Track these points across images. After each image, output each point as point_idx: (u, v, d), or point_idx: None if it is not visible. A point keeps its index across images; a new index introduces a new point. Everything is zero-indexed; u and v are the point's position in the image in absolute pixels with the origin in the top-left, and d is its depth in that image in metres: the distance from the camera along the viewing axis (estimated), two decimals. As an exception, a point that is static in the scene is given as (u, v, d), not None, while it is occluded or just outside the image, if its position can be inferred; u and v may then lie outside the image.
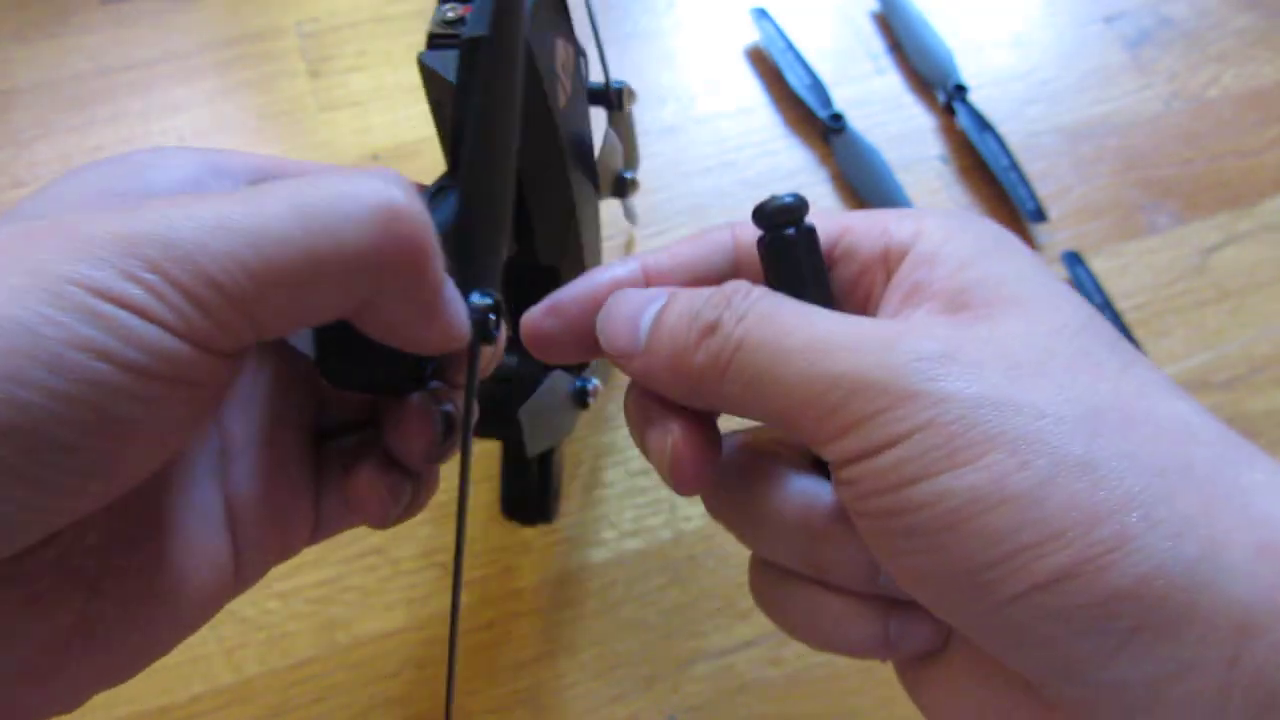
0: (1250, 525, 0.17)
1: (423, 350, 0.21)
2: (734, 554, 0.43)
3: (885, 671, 0.42)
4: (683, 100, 0.58)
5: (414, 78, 0.36)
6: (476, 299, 0.22)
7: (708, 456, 0.23)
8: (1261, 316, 0.50)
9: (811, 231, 0.23)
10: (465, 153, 0.22)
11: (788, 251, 0.23)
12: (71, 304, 0.15)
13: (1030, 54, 0.60)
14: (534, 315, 0.25)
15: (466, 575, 0.42)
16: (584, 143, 0.36)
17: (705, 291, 0.22)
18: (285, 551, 0.25)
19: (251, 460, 0.24)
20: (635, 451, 0.45)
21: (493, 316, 0.23)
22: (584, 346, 0.24)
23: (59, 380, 0.15)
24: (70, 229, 0.16)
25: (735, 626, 0.42)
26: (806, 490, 0.23)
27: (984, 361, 0.19)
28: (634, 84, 0.60)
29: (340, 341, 0.22)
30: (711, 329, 0.21)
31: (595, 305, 0.24)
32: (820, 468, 0.23)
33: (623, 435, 0.46)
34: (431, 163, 0.52)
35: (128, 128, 0.55)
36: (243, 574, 0.23)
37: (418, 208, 0.19)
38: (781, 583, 0.24)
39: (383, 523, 0.24)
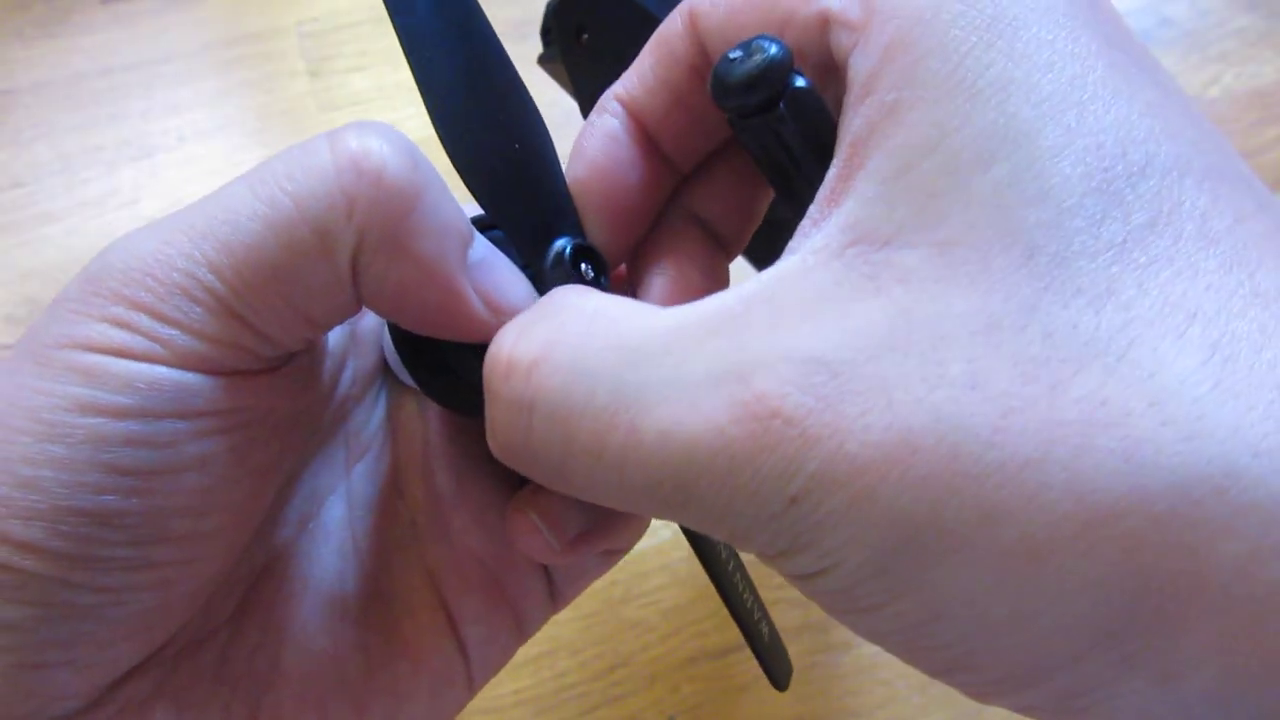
0: None
1: (465, 333, 0.17)
2: (734, 554, 0.43)
3: (885, 671, 0.42)
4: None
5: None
6: (560, 244, 0.18)
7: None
8: (1261, 316, 0.50)
9: (804, 100, 0.16)
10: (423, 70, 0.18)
11: (771, 141, 0.16)
12: (60, 366, 0.15)
13: (1030, 54, 0.60)
14: None
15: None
16: None
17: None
18: (521, 627, 0.21)
19: (447, 522, 0.21)
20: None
21: (585, 266, 0.19)
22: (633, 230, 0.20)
23: (61, 448, 0.14)
24: (57, 300, 0.16)
25: (735, 626, 0.42)
26: None
27: (871, 406, 0.13)
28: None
29: (415, 350, 0.20)
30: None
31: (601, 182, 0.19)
32: None
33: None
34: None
35: (128, 128, 0.55)
36: (473, 670, 0.21)
37: (395, 147, 0.16)
38: None
39: (544, 554, 0.19)
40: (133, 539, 0.15)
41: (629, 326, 0.15)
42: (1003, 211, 0.13)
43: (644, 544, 0.43)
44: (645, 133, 0.19)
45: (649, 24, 0.27)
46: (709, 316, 0.14)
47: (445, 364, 0.19)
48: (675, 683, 0.40)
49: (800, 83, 0.16)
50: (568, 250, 0.19)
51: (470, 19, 0.19)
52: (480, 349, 0.18)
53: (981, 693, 0.14)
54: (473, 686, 0.21)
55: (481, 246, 0.17)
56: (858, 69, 0.15)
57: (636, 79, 0.19)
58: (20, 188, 0.53)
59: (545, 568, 0.22)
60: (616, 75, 0.24)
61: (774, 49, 0.16)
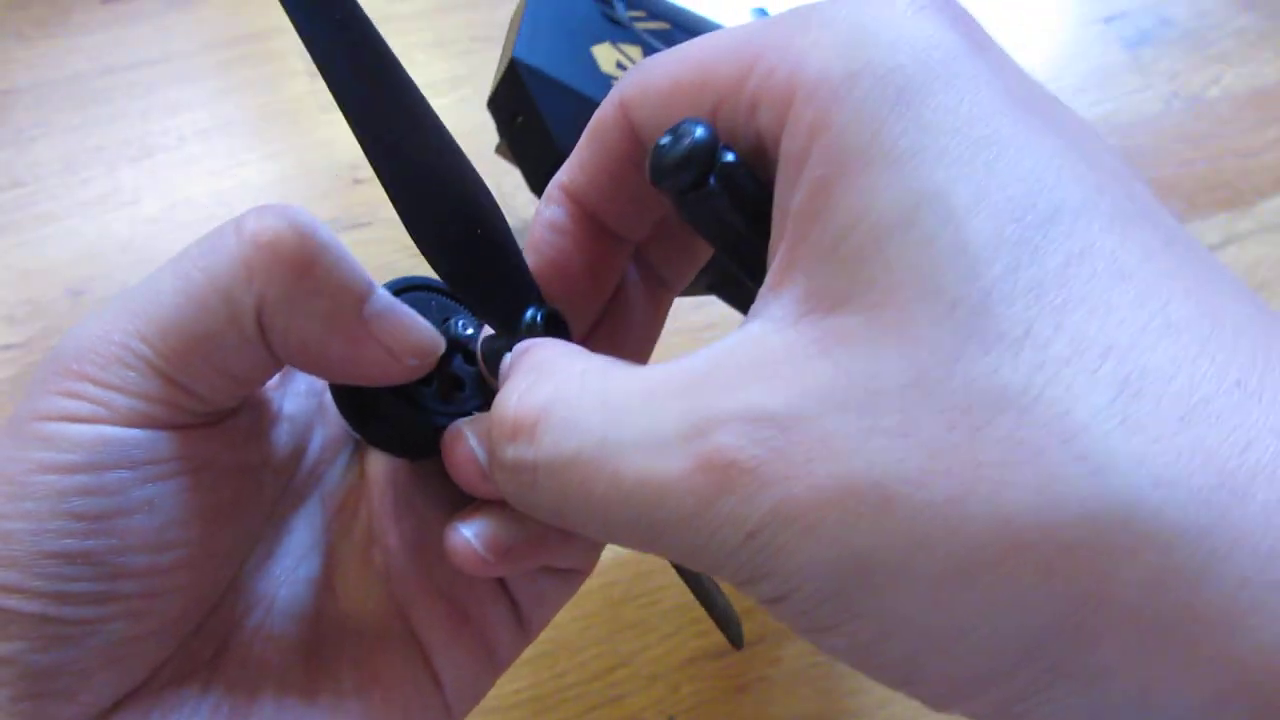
0: None
1: (372, 377, 0.20)
2: (734, 554, 0.43)
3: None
4: (683, 100, 0.58)
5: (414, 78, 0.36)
6: (530, 314, 0.20)
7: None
8: (1261, 316, 0.50)
9: (732, 173, 0.17)
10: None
11: (708, 213, 0.18)
12: (27, 436, 0.18)
13: (1030, 54, 0.60)
14: None
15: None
16: None
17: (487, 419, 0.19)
18: (492, 655, 0.23)
19: (415, 561, 0.23)
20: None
21: (469, 332, 0.22)
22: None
23: (30, 503, 0.17)
24: (30, 380, 0.19)
25: (735, 626, 0.42)
26: None
27: (821, 455, 0.14)
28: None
29: (348, 400, 0.22)
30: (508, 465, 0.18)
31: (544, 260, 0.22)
32: None
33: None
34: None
35: (128, 128, 0.55)
36: (449, 698, 0.23)
37: (289, 223, 0.18)
38: None
39: (477, 567, 0.21)
40: (97, 575, 0.18)
41: (612, 387, 0.17)
42: (922, 271, 0.14)
43: (644, 544, 0.43)
44: (591, 216, 0.21)
45: (569, 97, 0.29)
46: (677, 378, 0.16)
47: (376, 410, 0.22)
48: (675, 683, 0.40)
49: (728, 157, 0.17)
50: (539, 319, 0.21)
51: (420, 117, 0.20)
52: (400, 390, 0.21)
53: (934, 703, 0.15)
54: (450, 713, 0.23)
55: (381, 299, 0.20)
56: (788, 149, 0.16)
57: (578, 167, 0.21)
58: (20, 188, 0.53)
59: (511, 597, 0.24)
60: (550, 150, 0.28)
61: (700, 131, 0.17)
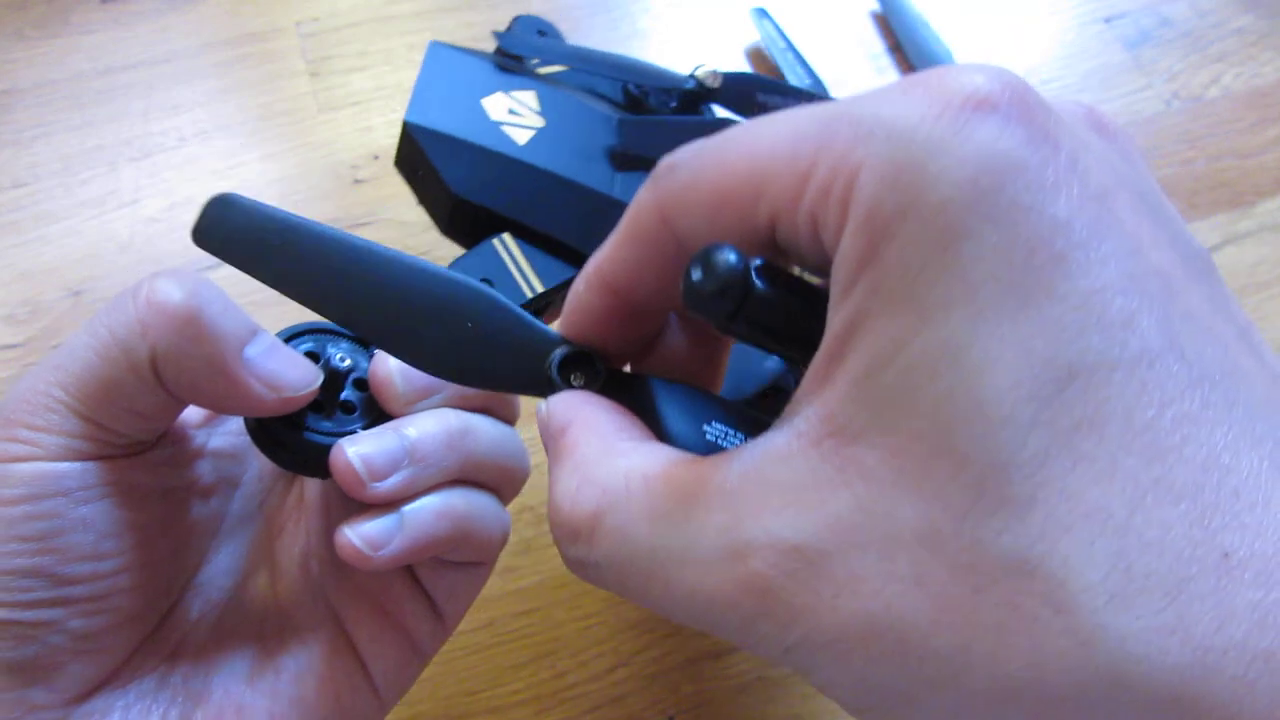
0: None
1: (255, 410, 0.24)
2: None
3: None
4: (683, 100, 0.58)
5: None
6: (549, 360, 0.22)
7: None
8: (1262, 316, 0.50)
9: (761, 302, 0.18)
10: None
11: (746, 332, 0.19)
12: None
13: (1030, 54, 0.60)
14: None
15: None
16: None
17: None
18: (415, 644, 0.27)
19: (337, 568, 0.27)
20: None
21: (346, 364, 0.26)
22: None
23: None
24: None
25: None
26: None
27: (844, 581, 0.16)
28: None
29: (256, 431, 0.25)
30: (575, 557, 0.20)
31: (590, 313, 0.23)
32: None
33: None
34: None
35: (128, 128, 0.55)
36: (377, 682, 0.27)
37: (178, 284, 0.22)
38: None
39: (362, 563, 0.24)
40: (49, 583, 0.22)
41: (655, 494, 0.18)
42: (941, 426, 0.15)
43: (644, 544, 0.43)
44: (626, 298, 0.22)
45: (460, 147, 0.33)
46: (714, 489, 0.18)
47: (276, 437, 0.25)
48: (675, 683, 0.40)
49: (759, 286, 0.18)
50: (554, 370, 0.22)
51: (376, 270, 0.22)
52: (293, 419, 0.25)
53: None
54: (380, 696, 0.27)
55: (261, 342, 0.23)
56: (839, 272, 0.17)
57: (616, 262, 0.22)
58: (20, 188, 0.53)
59: (426, 594, 0.27)
60: (447, 196, 0.32)
61: (731, 259, 0.17)
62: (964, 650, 0.15)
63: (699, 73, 0.40)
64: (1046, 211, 0.15)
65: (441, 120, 0.33)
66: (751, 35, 0.60)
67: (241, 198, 0.22)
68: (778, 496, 0.17)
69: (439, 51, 0.36)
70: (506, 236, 0.33)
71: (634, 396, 0.21)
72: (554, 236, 0.33)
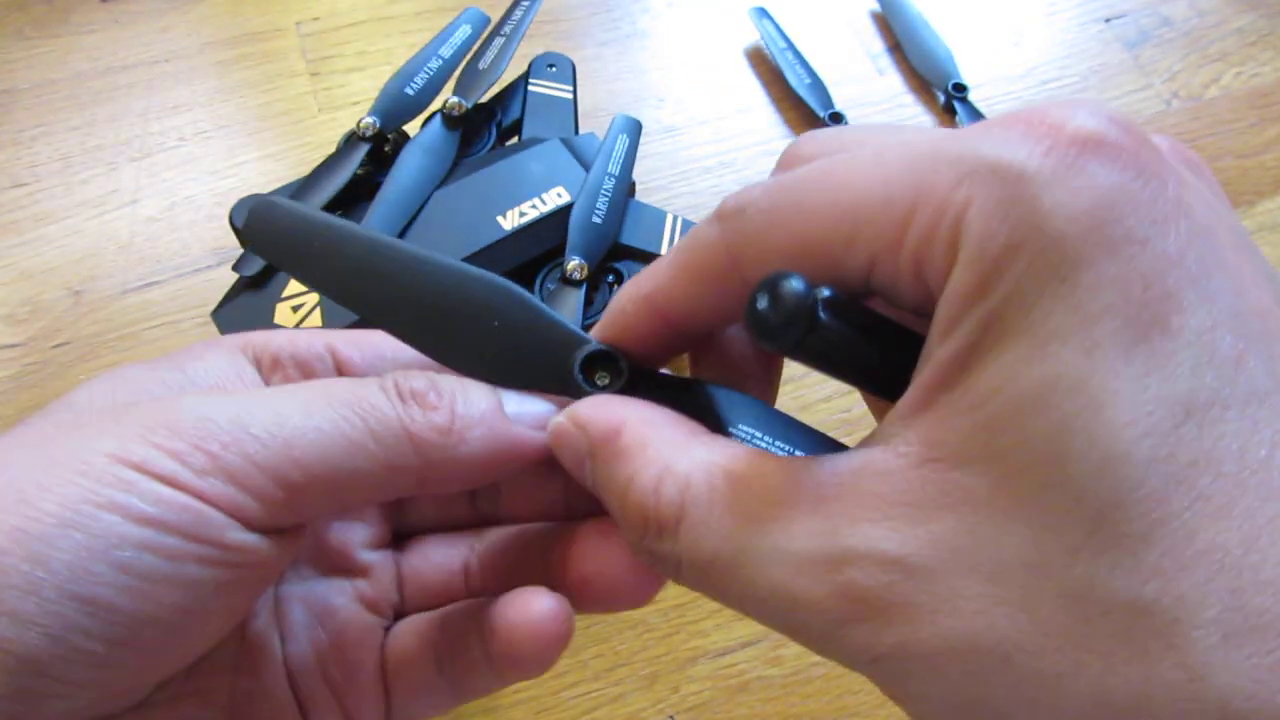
0: None
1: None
2: (734, 554, 0.43)
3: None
4: (682, 100, 0.58)
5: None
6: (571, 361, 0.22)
7: None
8: (1261, 316, 0.50)
9: (826, 333, 0.17)
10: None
11: (814, 359, 0.18)
12: (99, 469, 0.17)
13: (1030, 54, 0.60)
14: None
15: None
16: None
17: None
18: None
19: (308, 643, 0.24)
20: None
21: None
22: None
23: (81, 535, 0.17)
24: (120, 413, 0.19)
25: (735, 626, 0.42)
26: None
27: (946, 599, 0.16)
28: (633, 84, 0.60)
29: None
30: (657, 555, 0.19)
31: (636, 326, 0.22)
32: None
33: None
34: (431, 163, 0.51)
35: (128, 128, 0.55)
36: None
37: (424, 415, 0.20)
38: None
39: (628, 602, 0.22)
40: (108, 636, 0.17)
41: (740, 490, 0.18)
42: (1054, 458, 0.15)
43: (644, 544, 0.43)
44: (671, 320, 0.21)
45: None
46: (806, 493, 0.17)
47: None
48: (675, 683, 0.40)
49: (823, 318, 0.17)
50: (576, 368, 0.22)
51: (404, 267, 0.22)
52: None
53: None
54: None
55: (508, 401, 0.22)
56: (945, 308, 0.17)
57: (666, 288, 0.21)
58: (20, 188, 0.53)
59: (388, 699, 0.25)
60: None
61: (798, 287, 0.17)
62: (1069, 675, 0.15)
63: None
64: (1159, 246, 0.15)
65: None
66: (751, 35, 0.60)
67: (284, 200, 0.22)
68: (877, 509, 0.16)
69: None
70: None
71: (689, 399, 0.21)
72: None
